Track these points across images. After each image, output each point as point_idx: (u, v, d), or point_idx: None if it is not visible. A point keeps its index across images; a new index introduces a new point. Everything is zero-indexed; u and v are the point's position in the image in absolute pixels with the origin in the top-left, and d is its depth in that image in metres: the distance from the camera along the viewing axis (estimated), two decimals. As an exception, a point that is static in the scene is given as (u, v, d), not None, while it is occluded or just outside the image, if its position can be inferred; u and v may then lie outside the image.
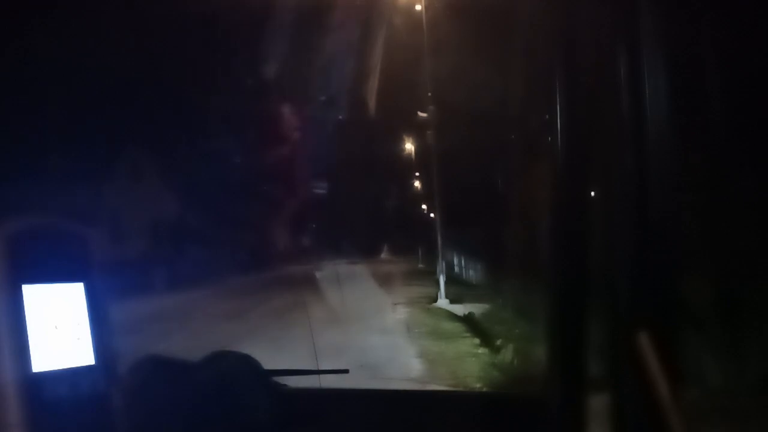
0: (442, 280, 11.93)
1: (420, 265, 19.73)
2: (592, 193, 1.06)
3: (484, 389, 5.24)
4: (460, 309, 10.05)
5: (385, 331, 8.22)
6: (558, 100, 1.07)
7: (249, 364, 1.47)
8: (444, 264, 12.53)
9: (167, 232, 14.66)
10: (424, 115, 13.27)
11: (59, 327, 1.09)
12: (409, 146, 20.93)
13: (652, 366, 0.91)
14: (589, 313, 1.03)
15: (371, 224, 21.99)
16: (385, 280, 14.52)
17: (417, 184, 23.55)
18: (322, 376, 1.57)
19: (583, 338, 1.03)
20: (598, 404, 1.01)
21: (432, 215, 16.58)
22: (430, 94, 12.68)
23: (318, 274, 11.48)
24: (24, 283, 1.05)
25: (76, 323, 1.12)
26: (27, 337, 1.03)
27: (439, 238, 13.19)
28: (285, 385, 1.49)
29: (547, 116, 1.09)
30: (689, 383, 0.98)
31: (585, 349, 1.02)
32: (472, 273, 13.70)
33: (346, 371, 1.59)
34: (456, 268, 15.04)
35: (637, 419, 0.95)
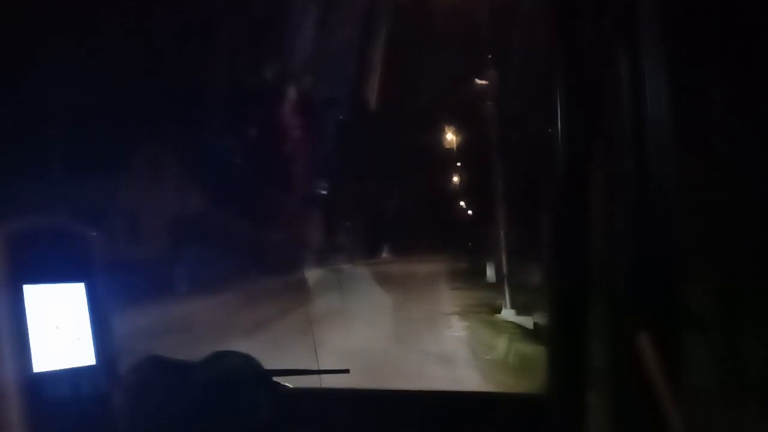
0: (506, 284, 9.30)
1: (463, 264, 17.04)
2: (592, 194, 1.06)
3: (484, 389, 5.17)
4: (530, 322, 7.58)
5: (444, 358, 5.92)
6: (558, 100, 1.07)
7: (249, 364, 1.47)
8: (494, 265, 10.29)
9: (169, 233, 14.60)
10: (483, 82, 10.77)
11: (60, 327, 1.09)
12: (452, 134, 17.26)
13: (652, 366, 0.91)
14: (589, 313, 1.03)
15: (406, 221, 19.99)
16: (428, 283, 12.47)
17: (455, 177, 20.58)
18: (323, 376, 1.57)
19: (583, 338, 1.03)
20: (598, 404, 1.01)
21: (470, 212, 14.83)
22: (490, 56, 10.38)
23: (350, 275, 10.24)
24: (25, 284, 1.05)
25: (77, 323, 1.12)
26: (28, 337, 1.03)
27: (501, 234, 10.44)
28: (285, 385, 1.49)
29: (547, 116, 1.09)
30: (689, 383, 0.98)
31: (585, 349, 1.03)
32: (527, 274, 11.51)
33: (346, 371, 1.59)
34: (504, 269, 12.55)
35: (637, 419, 0.95)
